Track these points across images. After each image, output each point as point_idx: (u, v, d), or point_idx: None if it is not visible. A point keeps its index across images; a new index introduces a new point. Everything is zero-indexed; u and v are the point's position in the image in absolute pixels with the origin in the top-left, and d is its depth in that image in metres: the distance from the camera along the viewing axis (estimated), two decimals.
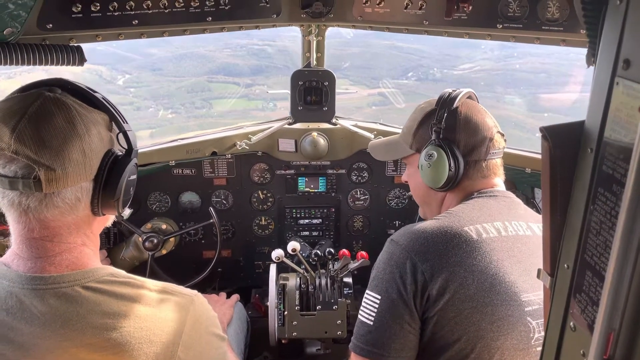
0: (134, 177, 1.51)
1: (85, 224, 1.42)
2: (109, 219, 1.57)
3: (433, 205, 2.01)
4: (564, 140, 0.91)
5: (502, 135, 1.94)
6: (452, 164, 1.82)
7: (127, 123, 1.48)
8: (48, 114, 1.30)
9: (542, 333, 1.60)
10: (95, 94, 1.44)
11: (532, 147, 3.02)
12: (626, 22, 0.79)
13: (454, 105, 1.87)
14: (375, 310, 1.65)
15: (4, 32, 1.72)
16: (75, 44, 2.07)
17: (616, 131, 0.80)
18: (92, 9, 1.94)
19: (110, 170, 1.40)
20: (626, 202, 0.74)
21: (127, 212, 2.74)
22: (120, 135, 1.46)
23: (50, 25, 1.90)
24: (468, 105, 1.92)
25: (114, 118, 1.45)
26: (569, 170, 0.91)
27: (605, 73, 0.83)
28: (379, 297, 1.66)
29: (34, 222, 1.34)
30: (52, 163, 1.27)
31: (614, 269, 0.76)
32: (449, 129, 1.86)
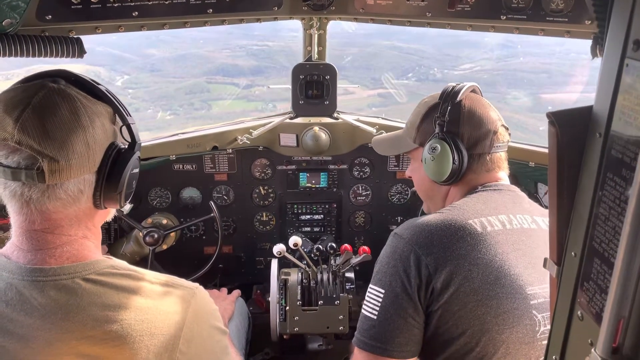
0: (136, 170, 1.49)
1: (87, 217, 1.41)
2: (110, 213, 1.56)
3: (437, 199, 1.99)
4: (571, 126, 0.89)
5: (507, 128, 1.92)
6: (456, 157, 1.80)
7: (130, 116, 1.47)
8: (52, 104, 1.29)
9: (548, 326, 1.59)
10: (99, 86, 1.43)
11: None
12: (636, 1, 0.77)
13: (458, 99, 1.85)
14: (379, 304, 1.63)
15: (3, 23, 1.71)
16: (75, 36, 2.05)
17: (626, 114, 0.78)
18: (92, 0, 1.93)
19: (113, 163, 1.38)
20: (637, 186, 0.72)
21: (127, 207, 2.73)
22: (124, 128, 1.45)
23: (50, 16, 1.89)
24: (472, 98, 1.90)
25: (117, 110, 1.43)
26: (577, 156, 0.90)
27: (614, 55, 0.81)
28: (383, 291, 1.64)
29: (35, 214, 1.32)
30: (56, 154, 1.26)
31: (623, 255, 0.75)
32: (452, 122, 1.84)
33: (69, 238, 1.36)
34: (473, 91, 1.96)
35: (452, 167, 1.81)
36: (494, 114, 1.89)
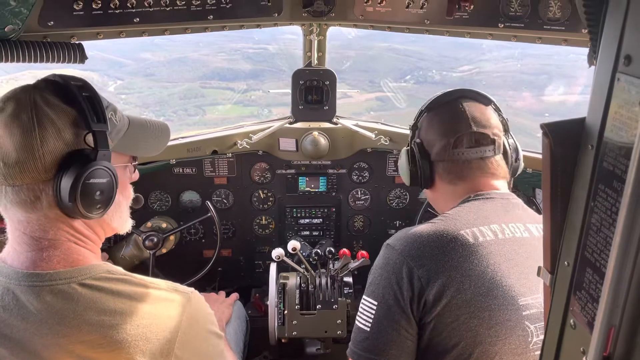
0: (103, 180, 1.39)
1: (62, 222, 1.38)
2: (114, 219, 1.53)
3: (436, 204, 2.04)
4: (564, 137, 0.91)
5: (489, 134, 1.86)
6: (411, 162, 1.97)
7: (102, 122, 1.39)
8: (9, 110, 1.32)
9: (541, 337, 1.59)
10: (74, 89, 1.38)
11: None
12: (627, 17, 0.79)
13: (425, 106, 1.98)
14: (372, 316, 1.64)
15: (5, 29, 1.72)
16: (77, 42, 2.07)
17: (617, 127, 0.80)
18: (94, 6, 1.94)
19: (66, 172, 1.32)
20: (627, 198, 0.73)
21: None
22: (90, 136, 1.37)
23: (52, 22, 1.90)
24: (445, 105, 1.94)
25: (83, 116, 1.36)
26: (570, 167, 0.91)
27: (606, 69, 0.83)
28: (376, 302, 1.65)
29: (13, 217, 1.37)
30: (6, 159, 1.30)
31: (614, 265, 0.76)
32: (419, 129, 1.99)
33: (51, 242, 1.37)
34: (464, 96, 1.94)
35: (410, 171, 1.97)
36: (463, 121, 1.86)
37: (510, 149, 1.93)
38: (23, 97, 1.32)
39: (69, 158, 1.33)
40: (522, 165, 2.02)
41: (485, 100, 1.96)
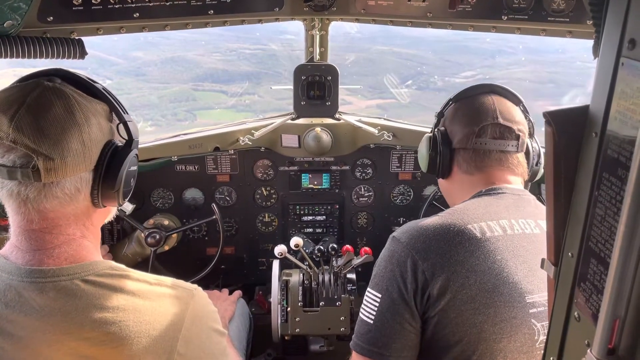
0: (134, 168, 1.50)
1: (85, 216, 1.41)
2: (110, 212, 1.56)
3: (448, 198, 2.05)
4: (568, 126, 0.89)
5: (515, 129, 1.86)
6: (431, 147, 1.96)
7: (127, 114, 1.48)
8: (47, 103, 1.29)
9: None
10: (95, 84, 1.43)
11: None
12: (632, 0, 0.77)
13: (453, 96, 1.97)
14: (376, 309, 1.63)
15: (4, 25, 1.72)
16: (76, 37, 2.06)
17: (621, 113, 0.78)
18: (93, 1, 1.94)
19: (110, 161, 1.39)
20: (631, 186, 0.71)
21: (129, 207, 2.74)
22: (121, 126, 1.46)
23: (51, 18, 1.90)
24: (472, 96, 1.94)
25: (114, 108, 1.44)
26: (574, 156, 0.89)
27: (610, 54, 0.81)
28: (380, 295, 1.63)
29: (33, 213, 1.32)
30: (51, 152, 1.26)
31: (618, 255, 0.74)
32: (444, 117, 1.99)
33: (67, 237, 1.36)
34: (494, 91, 1.95)
35: (429, 157, 1.96)
36: (485, 112, 1.87)
37: (532, 151, 1.92)
38: (61, 93, 1.33)
39: (109, 148, 1.39)
40: (542, 170, 1.99)
41: (515, 99, 1.97)
